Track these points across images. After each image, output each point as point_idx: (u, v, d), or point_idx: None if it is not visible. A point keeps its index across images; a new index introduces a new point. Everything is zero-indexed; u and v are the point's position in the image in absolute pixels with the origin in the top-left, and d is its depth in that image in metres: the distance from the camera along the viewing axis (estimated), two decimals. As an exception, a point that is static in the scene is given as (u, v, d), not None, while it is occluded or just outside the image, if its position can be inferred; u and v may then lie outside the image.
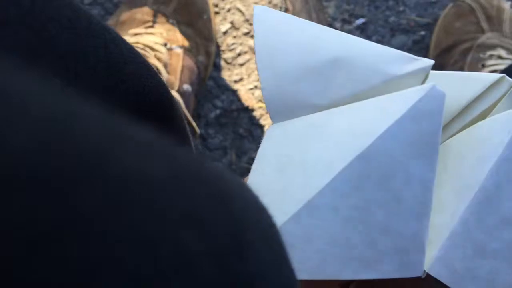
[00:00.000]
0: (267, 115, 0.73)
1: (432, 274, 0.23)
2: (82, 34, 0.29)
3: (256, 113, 0.74)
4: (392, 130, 0.21)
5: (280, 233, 0.18)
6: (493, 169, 0.21)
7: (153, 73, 0.34)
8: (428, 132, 0.21)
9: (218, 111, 0.74)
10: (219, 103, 0.74)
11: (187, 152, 0.16)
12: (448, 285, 0.22)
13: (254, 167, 0.25)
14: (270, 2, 0.78)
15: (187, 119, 0.65)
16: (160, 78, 0.35)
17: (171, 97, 0.36)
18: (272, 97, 0.24)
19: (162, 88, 0.35)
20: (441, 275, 0.22)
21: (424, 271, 0.23)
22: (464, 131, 0.24)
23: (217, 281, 0.14)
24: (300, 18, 0.24)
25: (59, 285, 0.11)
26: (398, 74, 0.23)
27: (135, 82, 0.32)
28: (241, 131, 0.73)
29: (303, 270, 0.18)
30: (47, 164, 0.12)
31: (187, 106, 0.67)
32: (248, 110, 0.74)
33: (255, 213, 0.17)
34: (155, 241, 0.13)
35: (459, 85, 0.24)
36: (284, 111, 0.24)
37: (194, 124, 0.67)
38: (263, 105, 0.74)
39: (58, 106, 0.13)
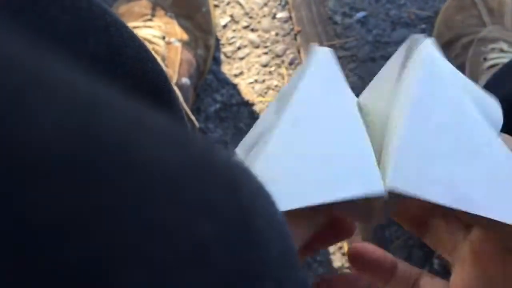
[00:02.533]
0: (267, 109, 0.72)
1: (393, 190, 0.25)
2: (83, 16, 0.28)
3: (256, 107, 0.73)
4: (305, 84, 0.26)
5: (283, 217, 0.18)
6: (419, 83, 0.26)
7: (151, 58, 0.34)
8: (330, 76, 0.26)
9: (218, 105, 0.73)
10: (219, 97, 0.73)
11: (197, 140, 0.17)
12: (411, 195, 0.24)
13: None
14: (269, -4, 0.77)
15: (186, 113, 0.65)
16: (158, 64, 0.35)
17: (169, 83, 0.37)
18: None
19: (160, 73, 0.35)
20: (400, 189, 0.25)
21: (386, 191, 0.25)
22: None
23: (229, 268, 0.15)
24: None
25: (79, 272, 0.12)
26: None
27: (134, 65, 0.32)
28: (241, 125, 0.72)
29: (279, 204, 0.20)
30: (73, 152, 0.12)
31: (185, 100, 0.66)
32: (248, 104, 0.73)
33: (262, 200, 0.17)
34: (172, 229, 0.13)
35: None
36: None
37: (193, 118, 0.67)
38: (263, 99, 0.73)
39: (83, 89, 0.13)
